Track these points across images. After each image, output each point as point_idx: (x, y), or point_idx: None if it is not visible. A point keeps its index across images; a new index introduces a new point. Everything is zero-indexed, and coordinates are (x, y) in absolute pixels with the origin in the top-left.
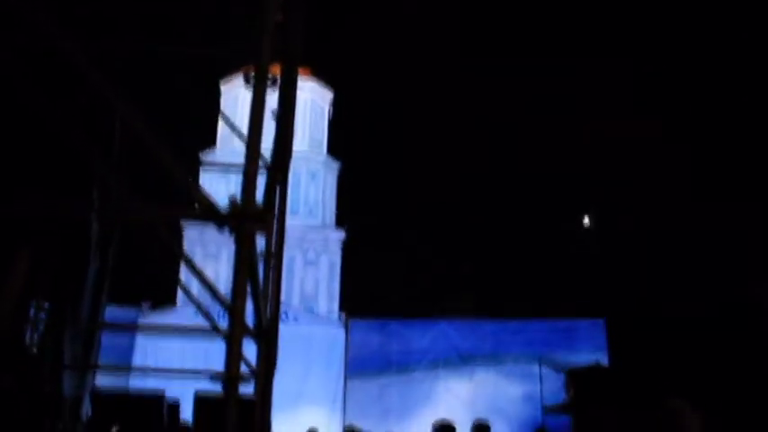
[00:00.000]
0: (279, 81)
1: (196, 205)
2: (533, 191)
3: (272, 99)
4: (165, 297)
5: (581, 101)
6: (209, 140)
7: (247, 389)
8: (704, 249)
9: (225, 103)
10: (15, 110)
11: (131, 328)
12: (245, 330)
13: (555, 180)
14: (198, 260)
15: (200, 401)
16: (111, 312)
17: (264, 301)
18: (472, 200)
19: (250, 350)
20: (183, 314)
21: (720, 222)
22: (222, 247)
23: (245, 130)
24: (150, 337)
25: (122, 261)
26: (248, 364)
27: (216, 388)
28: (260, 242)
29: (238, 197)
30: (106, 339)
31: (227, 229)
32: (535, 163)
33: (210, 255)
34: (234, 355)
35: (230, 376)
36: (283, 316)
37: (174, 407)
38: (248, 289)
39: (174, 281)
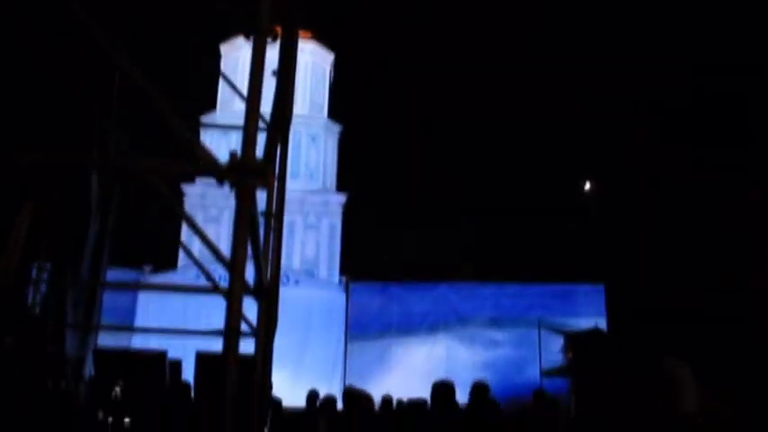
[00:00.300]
0: (279, 37)
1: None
2: (535, 154)
3: (272, 59)
4: (166, 260)
5: (584, 66)
6: (210, 105)
7: (248, 347)
8: (704, 217)
9: (225, 66)
10: (17, 66)
11: (133, 288)
12: (244, 287)
13: (556, 144)
14: (199, 223)
15: (201, 360)
16: (113, 274)
17: (265, 261)
18: (474, 162)
19: (252, 312)
20: (184, 276)
21: (722, 189)
22: (223, 211)
23: (245, 92)
24: (152, 299)
25: (123, 223)
26: (249, 323)
27: (217, 347)
28: (260, 204)
29: (239, 154)
30: (108, 300)
31: (227, 188)
32: (536, 127)
33: (211, 218)
34: (234, 312)
35: (230, 329)
36: (284, 279)
37: (176, 365)
38: (249, 248)
39: (175, 243)
